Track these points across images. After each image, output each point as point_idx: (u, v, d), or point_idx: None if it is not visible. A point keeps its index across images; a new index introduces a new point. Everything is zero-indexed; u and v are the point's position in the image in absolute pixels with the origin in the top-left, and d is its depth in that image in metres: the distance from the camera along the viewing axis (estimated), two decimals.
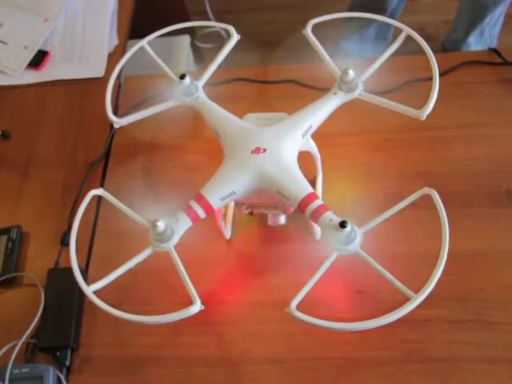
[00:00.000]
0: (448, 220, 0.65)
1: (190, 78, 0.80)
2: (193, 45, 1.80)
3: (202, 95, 0.81)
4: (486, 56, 1.00)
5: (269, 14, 2.26)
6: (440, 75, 0.77)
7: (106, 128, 1.02)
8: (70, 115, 1.06)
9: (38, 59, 1.14)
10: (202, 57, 1.99)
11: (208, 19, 2.07)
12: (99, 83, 1.09)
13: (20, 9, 1.20)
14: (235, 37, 0.84)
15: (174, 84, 0.81)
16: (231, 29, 0.85)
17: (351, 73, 0.75)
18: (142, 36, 0.88)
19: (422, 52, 0.78)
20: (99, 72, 1.11)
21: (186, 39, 1.67)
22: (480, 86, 0.97)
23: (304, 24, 0.82)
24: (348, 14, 0.85)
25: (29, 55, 1.14)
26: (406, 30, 0.80)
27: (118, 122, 0.84)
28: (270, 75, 1.04)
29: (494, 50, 1.00)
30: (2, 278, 0.86)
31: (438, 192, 0.67)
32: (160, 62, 0.85)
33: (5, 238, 0.90)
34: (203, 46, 2.02)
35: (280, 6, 2.26)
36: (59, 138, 1.04)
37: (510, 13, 2.04)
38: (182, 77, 0.79)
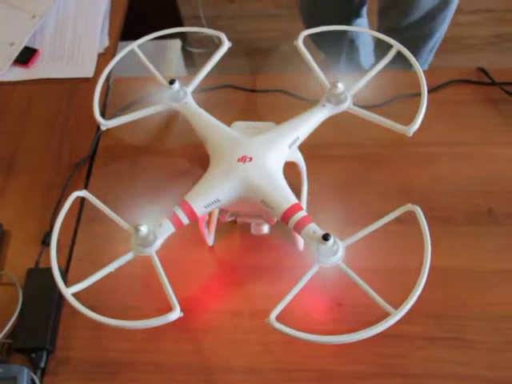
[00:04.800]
0: (430, 237, 0.65)
1: (180, 83, 0.80)
2: (184, 49, 1.80)
3: (190, 101, 0.81)
4: (475, 75, 1.01)
5: (261, 22, 2.26)
6: (428, 92, 0.78)
7: (92, 129, 1.01)
8: (56, 114, 1.06)
9: (27, 57, 1.13)
10: (192, 61, 2.00)
11: (200, 24, 2.07)
12: (88, 84, 1.08)
13: (7, 4, 1.19)
14: (226, 44, 0.84)
15: (163, 88, 0.81)
16: (223, 36, 0.85)
17: (340, 86, 0.76)
18: (133, 38, 0.88)
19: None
20: (88, 72, 1.11)
21: (177, 43, 1.67)
22: (467, 105, 0.97)
23: (295, 33, 0.82)
24: (339, 26, 0.85)
25: (14, 52, 1.13)
26: (397, 46, 0.81)
27: (105, 124, 0.84)
28: (259, 84, 1.04)
29: (483, 70, 1.00)
30: None
31: (421, 208, 0.67)
32: (150, 65, 0.85)
33: None
34: (194, 51, 2.02)
35: (272, 14, 2.27)
36: (44, 136, 1.03)
37: (498, 33, 2.07)
38: (172, 82, 0.79)
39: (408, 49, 0.80)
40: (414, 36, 1.59)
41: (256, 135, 0.75)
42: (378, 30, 1.63)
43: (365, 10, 1.67)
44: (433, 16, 1.51)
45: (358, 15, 1.64)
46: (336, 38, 1.64)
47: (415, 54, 1.59)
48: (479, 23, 2.12)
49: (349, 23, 1.65)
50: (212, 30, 0.87)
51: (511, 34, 2.09)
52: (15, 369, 0.74)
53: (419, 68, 0.79)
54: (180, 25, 1.90)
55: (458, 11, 1.77)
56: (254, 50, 2.10)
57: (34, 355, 0.78)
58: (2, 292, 0.85)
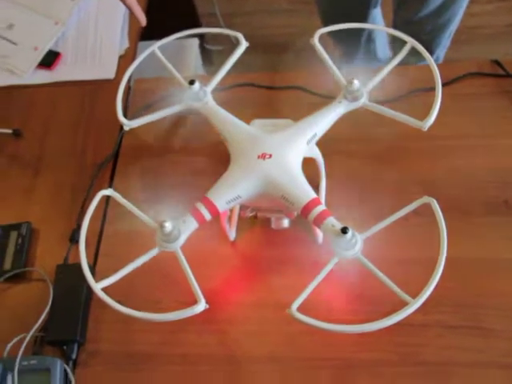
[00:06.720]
0: (447, 228, 0.67)
1: (199, 83, 0.82)
2: (201, 46, 1.82)
3: (210, 101, 0.83)
4: (489, 67, 1.02)
5: (277, 18, 2.27)
6: (443, 86, 0.79)
7: (115, 129, 1.04)
8: (80, 116, 1.08)
9: (51, 60, 1.16)
10: (210, 58, 2.01)
11: (217, 21, 2.10)
12: (110, 85, 1.11)
13: (31, 11, 1.22)
14: (244, 44, 0.86)
15: (184, 89, 0.83)
16: (240, 36, 0.87)
17: (356, 83, 0.77)
18: (152, 37, 0.89)
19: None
20: (110, 74, 1.13)
21: (194, 42, 1.69)
22: (482, 98, 0.98)
23: (312, 28, 0.84)
24: (355, 24, 0.86)
25: (38, 56, 1.16)
26: (411, 42, 0.82)
27: (128, 125, 0.86)
28: (277, 81, 1.06)
29: (497, 62, 1.01)
30: (12, 273, 0.89)
31: (438, 200, 0.69)
32: (170, 66, 0.87)
33: (15, 233, 0.93)
34: (212, 48, 2.04)
35: (288, 9, 2.28)
36: (69, 137, 1.06)
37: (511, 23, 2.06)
38: (192, 82, 0.81)
39: (427, 39, 0.81)
40: (433, 26, 1.58)
41: (275, 132, 0.77)
42: (395, 23, 1.63)
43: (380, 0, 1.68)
44: (449, 4, 1.51)
45: (375, 5, 1.65)
46: (354, 31, 1.65)
47: (435, 42, 1.59)
48: (493, 13, 2.10)
49: (367, 12, 1.65)
50: (230, 31, 0.89)
51: None
52: (49, 360, 0.77)
53: (433, 63, 0.80)
54: (197, 22, 1.92)
55: (473, 1, 1.76)
56: (270, 46, 2.11)
57: (65, 347, 0.81)
58: (34, 287, 0.89)
